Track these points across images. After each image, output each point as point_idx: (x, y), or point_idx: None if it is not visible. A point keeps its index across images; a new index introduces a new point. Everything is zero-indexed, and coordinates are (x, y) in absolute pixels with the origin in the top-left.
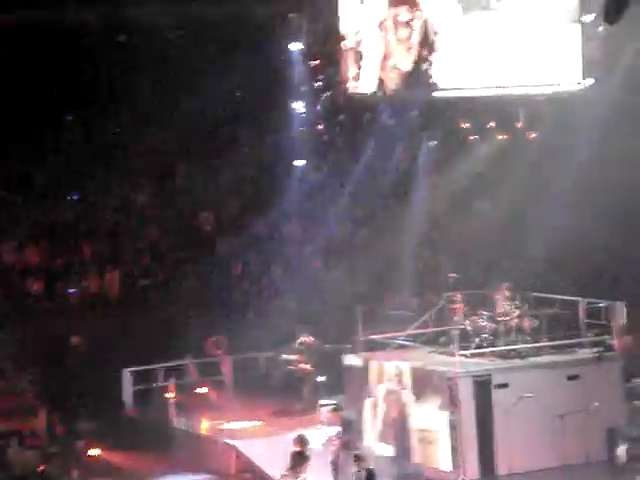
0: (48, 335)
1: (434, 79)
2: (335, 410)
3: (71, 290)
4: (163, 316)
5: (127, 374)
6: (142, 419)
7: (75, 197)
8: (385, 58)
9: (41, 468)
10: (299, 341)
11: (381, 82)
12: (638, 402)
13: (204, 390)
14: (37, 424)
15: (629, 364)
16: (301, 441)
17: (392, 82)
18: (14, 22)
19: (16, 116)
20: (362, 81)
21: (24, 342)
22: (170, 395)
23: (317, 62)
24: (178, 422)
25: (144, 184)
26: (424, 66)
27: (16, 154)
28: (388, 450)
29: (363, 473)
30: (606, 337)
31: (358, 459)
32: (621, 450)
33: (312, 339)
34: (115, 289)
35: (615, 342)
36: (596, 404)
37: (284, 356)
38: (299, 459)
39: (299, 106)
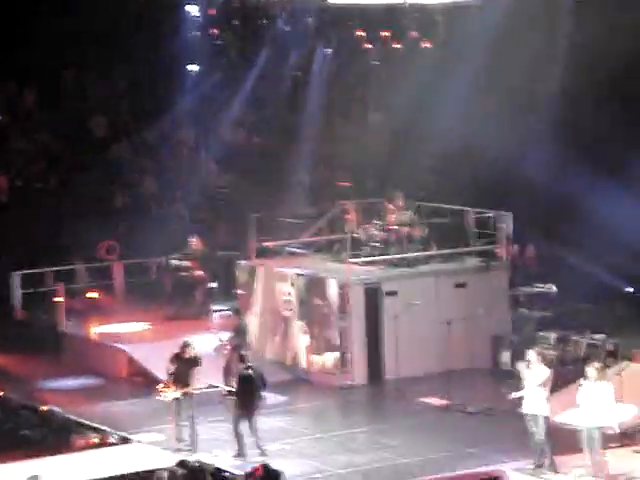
0: None
1: None
2: (228, 315)
3: None
4: (54, 220)
5: (16, 277)
6: (31, 322)
7: None
8: None
9: None
10: (191, 247)
11: None
12: (523, 309)
13: (94, 295)
14: None
15: (514, 273)
16: (183, 345)
17: None
18: None
19: None
20: None
21: None
22: (60, 299)
23: None
24: (68, 326)
25: (33, 87)
26: None
27: None
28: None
29: (249, 372)
30: (493, 246)
31: (243, 359)
32: (505, 356)
33: (202, 245)
34: (4, 192)
35: (501, 251)
36: (481, 311)
37: (175, 262)
38: (175, 361)
39: (193, 9)
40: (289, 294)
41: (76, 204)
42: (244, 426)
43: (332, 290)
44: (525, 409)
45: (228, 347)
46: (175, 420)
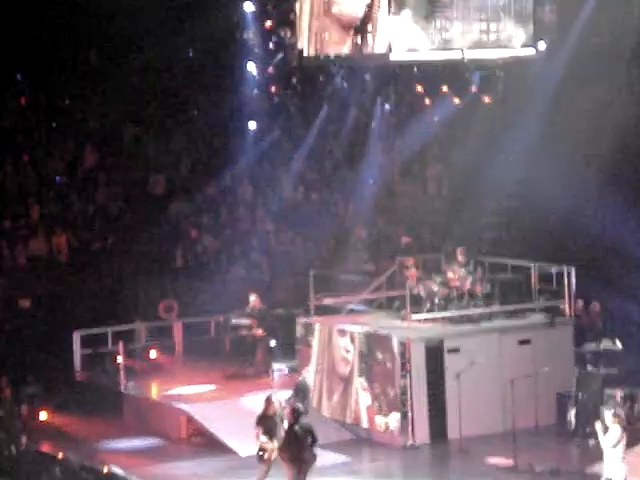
0: None
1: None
2: (288, 374)
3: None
4: (113, 280)
5: (77, 337)
6: (91, 383)
7: (24, 158)
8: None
9: None
10: (250, 306)
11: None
12: (588, 367)
13: (154, 354)
14: None
15: (579, 329)
16: (266, 401)
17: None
18: None
19: None
20: (316, 43)
21: None
22: (120, 359)
23: (271, 23)
24: (128, 386)
25: (94, 146)
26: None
27: None
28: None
29: (296, 427)
30: (557, 302)
31: (294, 414)
32: (570, 415)
33: (261, 303)
34: (64, 252)
35: (566, 307)
36: (546, 369)
37: (235, 320)
38: (262, 419)
39: (252, 68)
40: (349, 351)
41: (135, 263)
42: None
43: (393, 347)
44: (605, 473)
45: (287, 407)
46: None
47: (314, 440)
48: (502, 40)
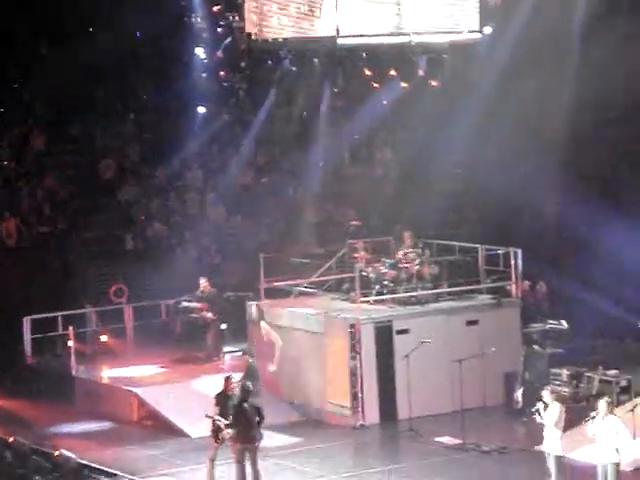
0: None
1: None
2: (240, 357)
3: None
4: (63, 265)
5: (26, 322)
6: (42, 367)
7: None
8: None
9: None
10: (200, 289)
11: (283, 27)
12: (535, 346)
13: (105, 338)
14: None
15: (525, 310)
16: (226, 380)
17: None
18: None
19: None
20: (264, 27)
21: None
22: (70, 343)
23: (219, 7)
24: (79, 370)
25: (41, 131)
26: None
27: None
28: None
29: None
30: (504, 283)
31: (244, 392)
32: (518, 394)
33: (212, 287)
34: (13, 237)
35: (512, 288)
36: (493, 349)
37: (185, 304)
38: (220, 398)
39: (201, 52)
40: (299, 334)
41: (85, 248)
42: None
43: (343, 329)
44: (544, 448)
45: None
46: (211, 463)
47: (261, 419)
48: (448, 24)
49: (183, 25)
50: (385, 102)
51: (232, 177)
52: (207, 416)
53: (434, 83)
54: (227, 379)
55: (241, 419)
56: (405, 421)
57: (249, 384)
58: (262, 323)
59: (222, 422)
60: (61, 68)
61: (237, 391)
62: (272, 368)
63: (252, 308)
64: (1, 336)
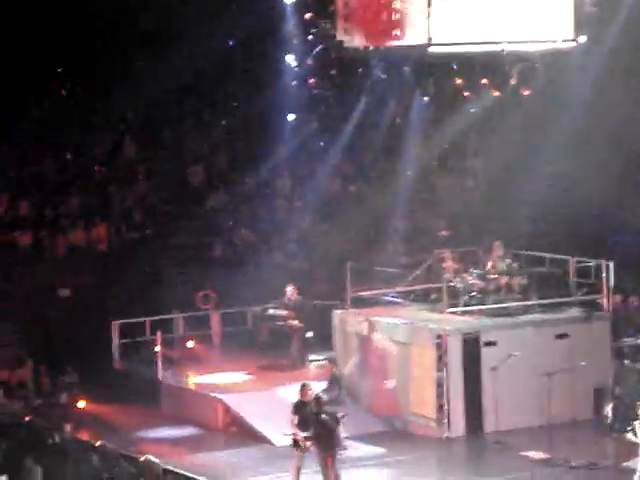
0: (35, 286)
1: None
2: (324, 365)
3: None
4: (151, 269)
5: (115, 327)
6: (129, 372)
7: (62, 149)
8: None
9: (27, 419)
10: (287, 297)
11: (374, 35)
12: (626, 361)
13: (191, 344)
14: (24, 375)
15: (617, 323)
16: (302, 388)
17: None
18: None
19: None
20: (355, 35)
21: (11, 293)
22: (157, 348)
23: (310, 15)
24: (165, 375)
25: (133, 138)
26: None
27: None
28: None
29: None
30: (595, 296)
31: (319, 402)
32: (607, 409)
33: (298, 294)
34: (103, 242)
35: (603, 301)
36: (583, 363)
37: (272, 311)
38: (298, 407)
39: (291, 59)
40: (385, 344)
41: (174, 253)
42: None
43: (430, 340)
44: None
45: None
46: (296, 471)
47: (337, 423)
48: (542, 33)
49: (274, 32)
50: (476, 111)
51: (320, 185)
52: (285, 434)
53: (526, 92)
54: (303, 387)
55: (320, 428)
56: (491, 434)
57: (321, 394)
58: (375, 335)
59: (300, 436)
60: (153, 75)
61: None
62: (390, 384)
63: (363, 323)
64: (90, 340)
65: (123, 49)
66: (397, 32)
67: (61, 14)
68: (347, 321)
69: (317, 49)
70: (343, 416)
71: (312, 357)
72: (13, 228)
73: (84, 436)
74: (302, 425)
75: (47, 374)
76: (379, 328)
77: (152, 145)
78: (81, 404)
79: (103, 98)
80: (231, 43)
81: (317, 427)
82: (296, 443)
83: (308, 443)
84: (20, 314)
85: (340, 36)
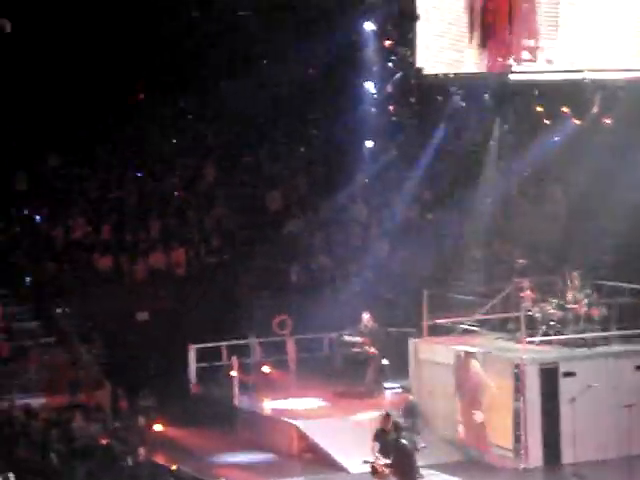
0: (114, 310)
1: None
2: (400, 393)
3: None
4: (229, 295)
5: (192, 351)
6: (206, 396)
7: (142, 174)
8: (461, 39)
9: (104, 442)
10: (363, 324)
11: (455, 63)
12: None
13: (267, 369)
14: (102, 398)
15: None
16: (384, 417)
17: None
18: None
19: (84, 93)
20: (435, 62)
21: (91, 316)
22: (234, 373)
23: (390, 42)
24: (241, 400)
25: (213, 162)
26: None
27: (86, 131)
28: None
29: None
30: None
31: (397, 428)
32: None
33: (374, 322)
34: (182, 266)
35: None
36: None
37: (348, 338)
38: (379, 435)
39: (370, 86)
40: (461, 372)
41: (251, 279)
42: None
43: (507, 370)
44: None
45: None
46: None
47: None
48: (625, 61)
49: (354, 59)
50: (557, 139)
51: (397, 212)
52: (365, 462)
53: (608, 120)
54: (385, 416)
55: (399, 455)
56: (569, 465)
57: (398, 420)
58: (473, 365)
59: (380, 463)
60: (234, 100)
61: (392, 429)
62: (479, 416)
63: (454, 354)
64: (168, 364)
65: (205, 76)
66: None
67: (145, 42)
68: (423, 349)
69: (396, 76)
70: (424, 447)
71: (387, 385)
72: (93, 251)
73: (160, 460)
74: (382, 453)
75: (125, 397)
76: (456, 357)
77: (231, 170)
78: (158, 428)
79: (184, 124)
80: (311, 70)
81: (396, 454)
82: (375, 470)
83: (387, 470)
84: (99, 337)
85: (420, 63)
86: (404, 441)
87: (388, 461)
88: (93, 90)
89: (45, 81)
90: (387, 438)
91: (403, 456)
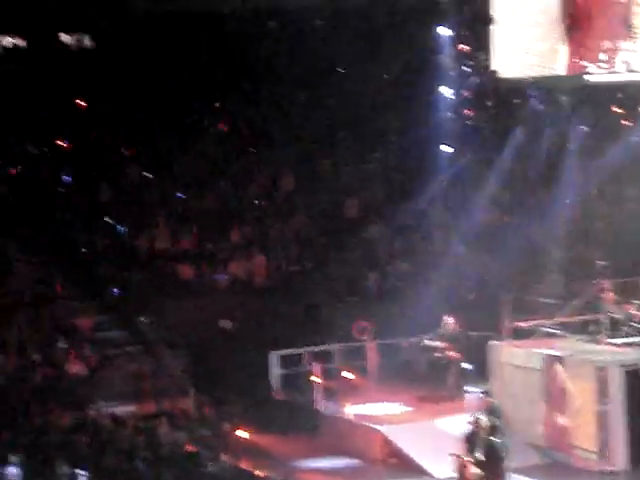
0: (197, 318)
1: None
2: (482, 397)
3: (219, 275)
4: (309, 302)
5: (274, 357)
6: (289, 402)
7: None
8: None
9: (190, 449)
10: (444, 328)
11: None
12: None
13: (349, 375)
14: (187, 405)
15: None
16: (474, 421)
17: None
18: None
19: (163, 102)
20: (511, 65)
21: (174, 325)
22: (316, 379)
23: (465, 46)
24: (324, 406)
25: (290, 171)
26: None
27: (165, 141)
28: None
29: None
30: None
31: (494, 430)
32: None
33: (456, 326)
34: (262, 274)
35: None
36: None
37: (428, 342)
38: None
39: (446, 91)
40: (545, 376)
41: (331, 285)
42: None
43: (590, 372)
44: None
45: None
46: None
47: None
48: None
49: (429, 64)
50: (635, 139)
51: (476, 216)
52: (453, 455)
53: None
54: (475, 419)
55: (490, 457)
56: None
57: (497, 421)
58: (556, 368)
59: (469, 460)
60: (310, 109)
61: (483, 430)
62: (563, 419)
63: (536, 357)
64: (251, 371)
65: (280, 84)
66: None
67: (221, 49)
68: (504, 352)
69: (472, 80)
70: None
71: (469, 388)
72: (176, 261)
73: (244, 466)
74: (472, 456)
75: (209, 404)
76: (538, 360)
77: (309, 179)
78: (241, 434)
79: (261, 131)
80: (386, 76)
81: (488, 455)
82: (462, 466)
83: (474, 468)
84: (183, 345)
85: (496, 67)
86: (493, 444)
87: (478, 458)
88: (174, 101)
89: (127, 93)
90: (477, 441)
91: (492, 458)
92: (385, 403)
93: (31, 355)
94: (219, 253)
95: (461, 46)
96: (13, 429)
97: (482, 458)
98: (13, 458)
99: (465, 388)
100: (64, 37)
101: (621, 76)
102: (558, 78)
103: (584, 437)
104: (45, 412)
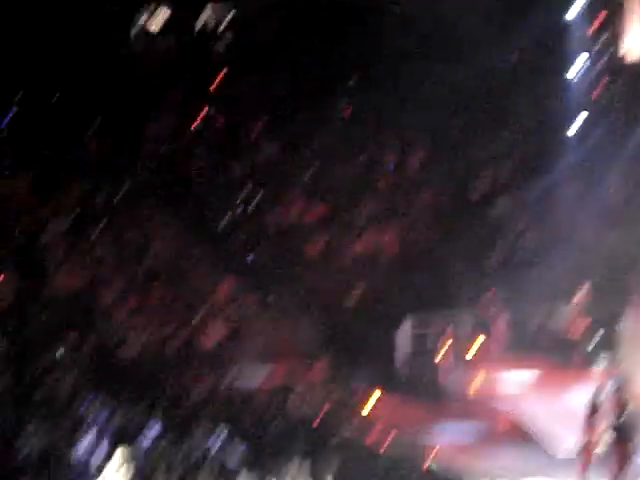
0: (329, 288)
1: None
2: (613, 366)
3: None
4: (439, 272)
5: (406, 324)
6: (418, 368)
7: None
8: None
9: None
10: (576, 298)
11: None
12: None
13: (478, 343)
14: (316, 375)
15: None
16: (600, 396)
17: None
18: None
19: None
20: None
21: (306, 296)
22: (446, 346)
23: (596, 26)
24: (453, 373)
25: (418, 147)
26: None
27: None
28: None
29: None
30: None
31: (623, 407)
32: None
33: (590, 294)
34: (395, 248)
35: None
36: None
37: (559, 312)
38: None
39: (574, 73)
40: None
41: (458, 259)
42: None
43: None
44: None
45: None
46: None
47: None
48: None
49: (555, 47)
50: None
51: (609, 192)
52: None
53: None
54: (599, 388)
55: (622, 429)
56: None
57: (628, 399)
58: None
59: (595, 439)
60: (437, 89)
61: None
62: None
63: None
64: (382, 337)
65: (411, 63)
66: None
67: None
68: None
69: (604, 57)
70: None
71: (600, 357)
72: (308, 232)
73: (375, 432)
74: (602, 427)
75: (340, 371)
76: None
77: (435, 154)
78: (373, 400)
79: (389, 109)
80: (514, 56)
81: (618, 428)
82: (588, 447)
83: (600, 450)
84: (316, 312)
85: (629, 44)
86: (624, 422)
87: (610, 428)
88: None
89: (266, 72)
90: (610, 410)
91: (627, 428)
92: (514, 372)
93: (172, 321)
94: (351, 224)
95: (594, 23)
96: (155, 390)
97: (613, 430)
98: (153, 420)
99: (597, 358)
100: None
101: None
102: None
103: None
104: (185, 376)
